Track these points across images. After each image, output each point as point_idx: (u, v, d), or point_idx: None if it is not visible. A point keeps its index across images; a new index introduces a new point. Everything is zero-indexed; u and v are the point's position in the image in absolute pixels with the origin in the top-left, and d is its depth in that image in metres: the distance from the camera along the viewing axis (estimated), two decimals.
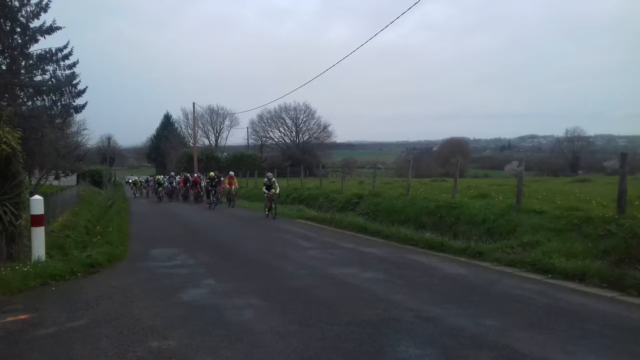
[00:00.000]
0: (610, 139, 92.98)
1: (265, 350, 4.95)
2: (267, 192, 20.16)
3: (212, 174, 26.83)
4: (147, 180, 48.51)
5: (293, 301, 6.85)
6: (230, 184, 27.97)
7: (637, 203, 11.05)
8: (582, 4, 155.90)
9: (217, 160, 64.71)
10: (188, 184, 34.11)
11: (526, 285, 7.63)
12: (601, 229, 9.05)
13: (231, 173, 27.44)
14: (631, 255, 7.91)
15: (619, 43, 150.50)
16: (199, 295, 7.37)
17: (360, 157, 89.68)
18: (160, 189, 36.02)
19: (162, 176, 39.45)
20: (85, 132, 36.67)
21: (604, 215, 9.61)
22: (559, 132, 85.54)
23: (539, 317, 5.93)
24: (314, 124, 75.92)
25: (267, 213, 20.18)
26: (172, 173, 39.28)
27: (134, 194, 46.23)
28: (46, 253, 9.37)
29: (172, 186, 36.57)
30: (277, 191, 20.22)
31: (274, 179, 20.46)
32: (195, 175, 34.83)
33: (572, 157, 74.66)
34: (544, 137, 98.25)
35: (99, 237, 13.16)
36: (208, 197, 26.90)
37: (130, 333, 5.52)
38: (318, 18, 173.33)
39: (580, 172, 62.86)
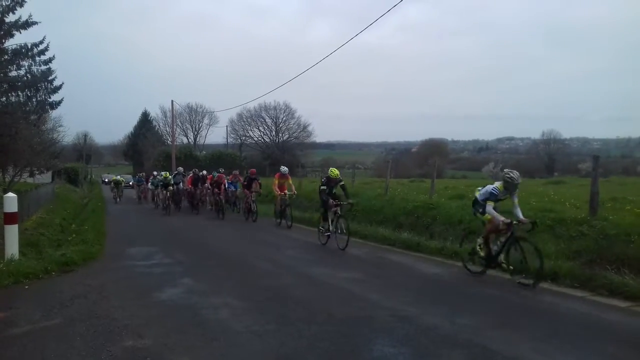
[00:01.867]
0: (585, 141, 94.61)
1: (241, 349, 4.96)
2: (502, 220, 8.07)
3: (335, 171, 12.63)
4: (138, 180, 34.11)
5: (270, 300, 6.87)
6: (282, 188, 17.18)
7: (608, 205, 11.30)
8: (563, 11, 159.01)
9: (195, 159, 64.17)
10: (200, 186, 23.73)
11: (500, 285, 7.75)
12: (573, 230, 9.22)
13: (284, 169, 17.40)
14: (602, 255, 8.08)
15: (596, 50, 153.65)
16: (175, 294, 7.34)
17: (339, 157, 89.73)
18: (167, 193, 22.82)
19: (168, 173, 25.26)
20: (61, 128, 33.71)
21: (577, 217, 9.80)
22: (535, 134, 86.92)
23: (511, 316, 6.05)
24: (294, 124, 75.66)
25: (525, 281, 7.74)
26: (181, 168, 26.61)
27: (115, 198, 32.56)
28: (20, 251, 9.23)
29: (179, 189, 24.10)
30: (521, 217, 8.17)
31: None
32: (218, 172, 22.45)
33: (548, 159, 75.80)
34: (521, 139, 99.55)
35: (74, 235, 12.98)
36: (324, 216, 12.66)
37: (105, 332, 5.48)
38: (300, 18, 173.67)
39: (555, 173, 63.88)
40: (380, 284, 7.88)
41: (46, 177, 35.09)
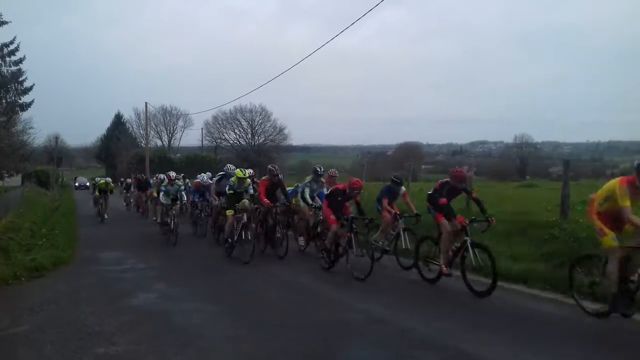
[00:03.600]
0: (556, 145, 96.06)
1: (215, 355, 4.92)
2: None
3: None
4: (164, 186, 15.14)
5: (244, 305, 6.83)
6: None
7: (579, 208, 11.50)
8: (535, 16, 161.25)
9: (169, 162, 63.58)
10: (289, 201, 11.75)
11: (474, 288, 7.82)
12: (545, 233, 9.36)
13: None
14: (573, 258, 8.21)
15: (566, 55, 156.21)
16: (148, 299, 7.25)
17: (316, 160, 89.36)
18: (244, 217, 10.70)
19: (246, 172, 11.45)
20: (32, 130, 33.12)
21: (548, 220, 9.95)
22: (508, 138, 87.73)
23: (485, 319, 6.10)
24: (269, 126, 75.28)
25: None
26: (231, 166, 13.49)
27: (100, 212, 20.53)
28: None
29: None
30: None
31: None
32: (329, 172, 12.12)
33: (520, 162, 76.86)
34: (494, 143, 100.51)
35: (44, 240, 12.70)
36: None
37: (76, 339, 5.37)
38: (277, 20, 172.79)
39: (527, 177, 64.72)
40: (355, 288, 7.88)
41: (16, 180, 34.32)
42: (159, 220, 15.54)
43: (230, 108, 73.33)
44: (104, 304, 6.94)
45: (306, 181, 11.54)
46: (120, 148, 70.83)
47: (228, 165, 13.72)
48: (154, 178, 20.89)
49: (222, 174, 13.75)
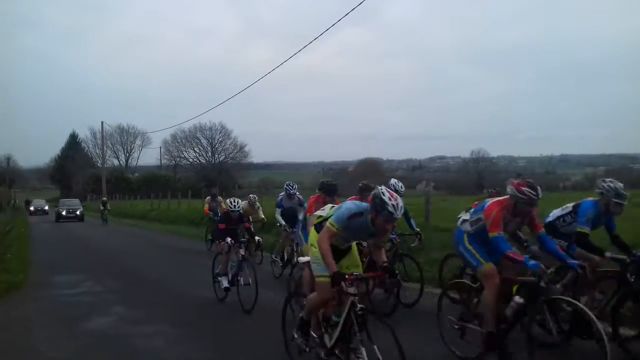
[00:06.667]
0: (511, 159, 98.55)
1: None
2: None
3: None
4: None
5: (207, 327, 6.75)
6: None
7: None
8: (486, 36, 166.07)
9: (127, 182, 62.44)
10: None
11: (434, 300, 7.91)
12: None
13: None
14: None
15: (518, 72, 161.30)
16: (106, 323, 7.07)
17: (277, 178, 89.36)
18: None
19: None
20: None
21: None
22: (465, 153, 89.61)
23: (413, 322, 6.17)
24: (230, 144, 75.11)
25: None
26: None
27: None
28: None
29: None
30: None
31: None
32: None
33: (478, 176, 78.51)
34: (452, 157, 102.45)
35: None
36: None
37: None
38: (239, 39, 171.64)
39: (484, 190, 66.12)
40: None
41: None
42: None
43: (190, 126, 72.78)
44: (59, 329, 6.73)
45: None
46: (75, 168, 69.26)
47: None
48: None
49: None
